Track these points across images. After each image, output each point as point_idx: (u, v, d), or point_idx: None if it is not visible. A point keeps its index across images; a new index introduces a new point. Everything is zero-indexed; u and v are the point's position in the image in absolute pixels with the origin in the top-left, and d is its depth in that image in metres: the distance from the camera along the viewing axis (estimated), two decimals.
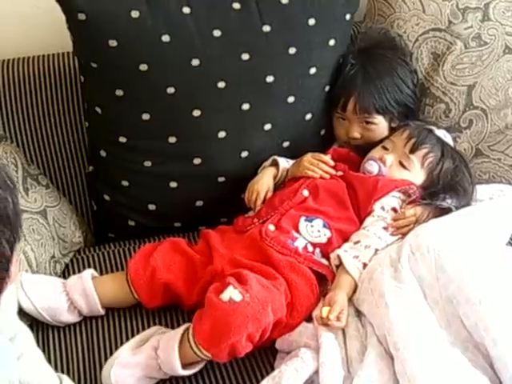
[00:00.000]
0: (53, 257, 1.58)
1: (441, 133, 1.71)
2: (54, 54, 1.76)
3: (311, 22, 1.60)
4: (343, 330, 1.36)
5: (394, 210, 1.54)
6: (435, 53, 1.79)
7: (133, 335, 1.42)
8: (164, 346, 1.33)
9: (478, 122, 1.80)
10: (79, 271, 1.58)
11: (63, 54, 1.75)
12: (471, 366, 1.26)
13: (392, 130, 1.70)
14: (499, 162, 1.81)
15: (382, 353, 1.29)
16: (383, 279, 1.37)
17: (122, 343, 1.39)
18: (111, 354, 1.37)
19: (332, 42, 1.65)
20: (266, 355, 1.40)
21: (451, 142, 1.73)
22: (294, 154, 1.67)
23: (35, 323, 1.44)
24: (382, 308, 1.32)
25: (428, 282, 1.36)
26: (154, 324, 1.46)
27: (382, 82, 1.67)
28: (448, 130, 1.80)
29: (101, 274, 1.57)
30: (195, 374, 1.35)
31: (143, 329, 1.44)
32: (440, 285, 1.34)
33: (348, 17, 1.69)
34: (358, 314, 1.40)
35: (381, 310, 1.32)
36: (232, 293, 1.30)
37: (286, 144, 1.68)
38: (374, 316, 1.34)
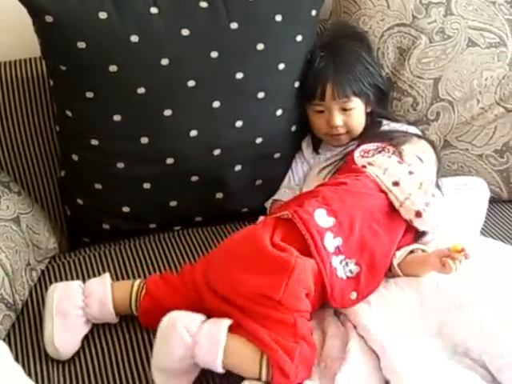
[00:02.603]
0: (28, 264, 1.54)
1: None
2: (21, 60, 1.74)
3: (278, 17, 1.60)
4: (323, 329, 1.34)
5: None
6: (401, 47, 1.80)
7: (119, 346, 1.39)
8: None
9: (445, 114, 1.82)
10: (55, 278, 1.56)
11: (31, 59, 1.73)
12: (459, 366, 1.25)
13: (368, 116, 1.72)
14: (467, 153, 1.84)
15: (363, 346, 1.28)
16: None
17: (104, 354, 1.37)
18: (93, 365, 1.35)
19: (299, 38, 1.65)
20: None
21: None
22: (267, 150, 1.67)
23: (12, 337, 1.41)
24: (364, 308, 1.32)
25: (425, 290, 1.35)
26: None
27: (353, 67, 1.68)
28: (416, 123, 1.81)
29: (78, 279, 1.52)
30: None
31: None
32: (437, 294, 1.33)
33: (314, 12, 1.69)
34: (336, 313, 1.38)
35: (362, 311, 1.32)
36: None
37: (258, 140, 1.66)
38: (355, 315, 1.33)
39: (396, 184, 1.45)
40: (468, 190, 1.67)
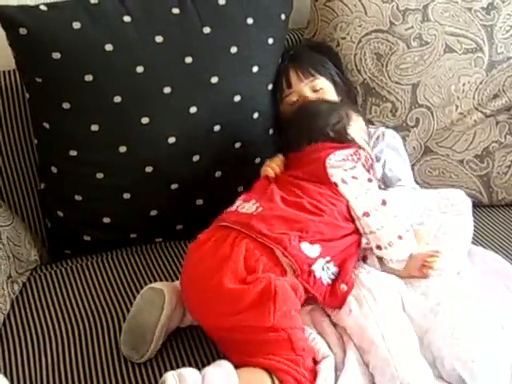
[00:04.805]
0: (9, 277, 1.51)
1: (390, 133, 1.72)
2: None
3: (249, 21, 1.60)
4: (326, 340, 1.31)
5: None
6: (378, 53, 1.79)
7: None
8: None
9: (425, 120, 1.81)
10: (37, 290, 1.53)
11: (9, 71, 1.69)
12: None
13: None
14: (448, 158, 1.82)
15: (358, 359, 1.26)
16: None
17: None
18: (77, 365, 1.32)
19: (271, 41, 1.65)
20: None
21: (400, 142, 1.73)
22: (246, 154, 1.65)
23: None
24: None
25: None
26: None
27: (313, 57, 1.72)
28: (396, 129, 1.79)
29: (60, 291, 1.51)
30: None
31: None
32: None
33: (283, 17, 1.69)
34: (332, 322, 1.35)
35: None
36: None
37: (237, 145, 1.64)
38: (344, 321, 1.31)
39: (366, 215, 1.39)
40: (451, 206, 1.63)
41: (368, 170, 1.47)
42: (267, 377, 1.21)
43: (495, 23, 1.80)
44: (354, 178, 1.41)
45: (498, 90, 1.82)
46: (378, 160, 1.63)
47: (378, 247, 1.38)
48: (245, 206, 1.38)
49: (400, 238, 1.38)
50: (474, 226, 1.69)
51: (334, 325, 1.34)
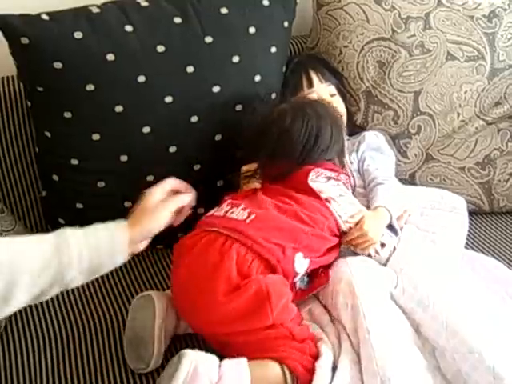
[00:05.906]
0: None
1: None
2: (3, 78, 1.67)
3: (251, 30, 1.58)
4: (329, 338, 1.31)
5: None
6: (380, 61, 1.77)
7: None
8: None
9: (427, 128, 1.79)
10: None
11: (13, 77, 1.66)
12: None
13: None
14: (449, 166, 1.80)
15: (354, 359, 1.25)
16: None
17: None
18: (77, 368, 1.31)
19: (273, 50, 1.63)
20: None
21: (382, 140, 1.73)
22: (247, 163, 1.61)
23: None
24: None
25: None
26: None
27: (326, 63, 1.76)
28: (398, 136, 1.76)
29: (61, 295, 1.49)
30: None
31: None
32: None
33: (286, 24, 1.66)
34: (332, 320, 1.35)
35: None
36: None
37: (239, 154, 1.61)
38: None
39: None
40: (445, 204, 1.63)
41: (348, 188, 1.49)
42: (277, 365, 1.22)
43: (497, 31, 1.78)
44: (341, 196, 1.42)
45: (499, 98, 1.80)
46: (363, 162, 1.64)
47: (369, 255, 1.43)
48: (234, 211, 1.37)
49: (383, 245, 1.43)
50: (475, 233, 1.70)
51: (334, 323, 1.34)
